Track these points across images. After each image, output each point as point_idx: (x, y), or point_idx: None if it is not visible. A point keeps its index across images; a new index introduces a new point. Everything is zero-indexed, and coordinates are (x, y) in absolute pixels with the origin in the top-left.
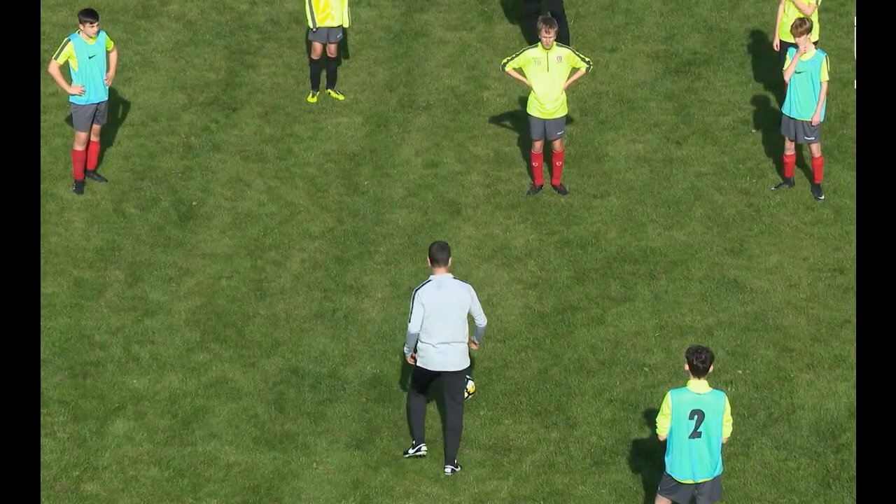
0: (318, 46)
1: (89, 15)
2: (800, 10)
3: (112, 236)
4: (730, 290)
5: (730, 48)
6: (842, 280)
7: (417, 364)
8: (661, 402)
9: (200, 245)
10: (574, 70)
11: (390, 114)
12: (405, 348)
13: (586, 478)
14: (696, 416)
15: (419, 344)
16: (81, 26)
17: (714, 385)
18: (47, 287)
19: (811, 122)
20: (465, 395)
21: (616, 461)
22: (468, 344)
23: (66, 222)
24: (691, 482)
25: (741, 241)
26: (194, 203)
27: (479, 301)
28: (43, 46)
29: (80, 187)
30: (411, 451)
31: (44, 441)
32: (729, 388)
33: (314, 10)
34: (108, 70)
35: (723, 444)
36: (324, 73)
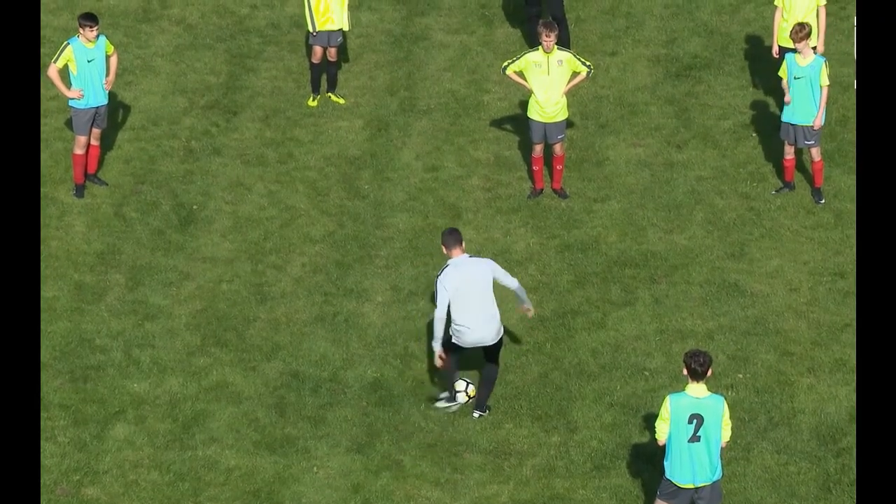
0: (318, 50)
1: (89, 19)
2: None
3: (112, 240)
4: (730, 294)
5: (730, 52)
6: (842, 284)
7: (452, 340)
8: (660, 406)
9: (201, 249)
10: (575, 74)
11: (391, 117)
12: (434, 342)
13: (587, 482)
14: (694, 421)
15: (453, 326)
16: (81, 30)
17: (715, 389)
18: (48, 291)
19: (812, 127)
20: (466, 399)
21: (616, 465)
22: (525, 312)
23: (66, 226)
24: (691, 486)
25: (742, 244)
26: (195, 207)
27: (502, 267)
28: (43, 50)
29: (80, 191)
30: (445, 403)
31: (44, 445)
32: (729, 393)
33: (314, 14)
34: (108, 74)
35: (722, 449)
36: (324, 77)
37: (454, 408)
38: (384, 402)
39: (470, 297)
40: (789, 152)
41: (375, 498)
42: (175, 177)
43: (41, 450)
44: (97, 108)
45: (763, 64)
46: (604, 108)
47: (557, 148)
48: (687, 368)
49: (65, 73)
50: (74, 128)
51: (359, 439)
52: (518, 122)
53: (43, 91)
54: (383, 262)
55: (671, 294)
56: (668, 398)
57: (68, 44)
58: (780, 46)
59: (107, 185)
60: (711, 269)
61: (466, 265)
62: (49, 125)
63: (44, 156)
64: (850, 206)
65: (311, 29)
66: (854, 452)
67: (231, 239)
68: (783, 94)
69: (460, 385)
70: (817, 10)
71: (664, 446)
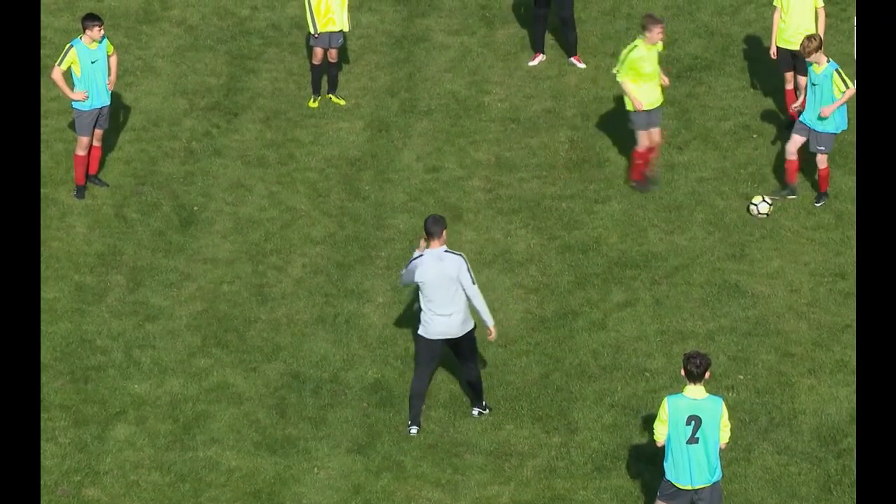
0: (318, 51)
1: (95, 19)
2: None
3: (113, 241)
4: (731, 295)
5: (731, 53)
6: (843, 285)
7: (419, 333)
8: (658, 408)
9: (202, 250)
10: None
11: (391, 119)
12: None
13: (587, 483)
14: (692, 422)
15: (422, 313)
16: (89, 31)
17: (715, 390)
18: (48, 292)
19: (828, 134)
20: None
21: (617, 466)
22: (487, 333)
23: (67, 227)
24: (690, 488)
25: (742, 245)
26: (195, 208)
27: (470, 272)
28: (45, 51)
29: (81, 192)
30: (408, 426)
31: (45, 446)
32: (730, 394)
33: (315, 16)
34: (109, 75)
35: (721, 450)
36: (325, 78)
37: (414, 431)
38: (385, 403)
39: (438, 290)
40: (792, 153)
41: (376, 499)
42: (176, 178)
43: (42, 451)
44: (100, 108)
45: (763, 65)
46: (604, 109)
47: (657, 134)
48: (685, 370)
49: (67, 74)
50: (77, 129)
51: (359, 440)
52: (519, 123)
53: (44, 92)
54: (384, 263)
55: (672, 295)
56: (666, 400)
57: (71, 46)
58: (778, 47)
59: (108, 186)
60: (712, 270)
61: (440, 258)
62: (50, 126)
63: (44, 157)
64: (851, 207)
65: (311, 30)
66: (855, 453)
67: (232, 240)
68: (783, 96)
69: (413, 430)
70: (816, 12)
71: (664, 447)
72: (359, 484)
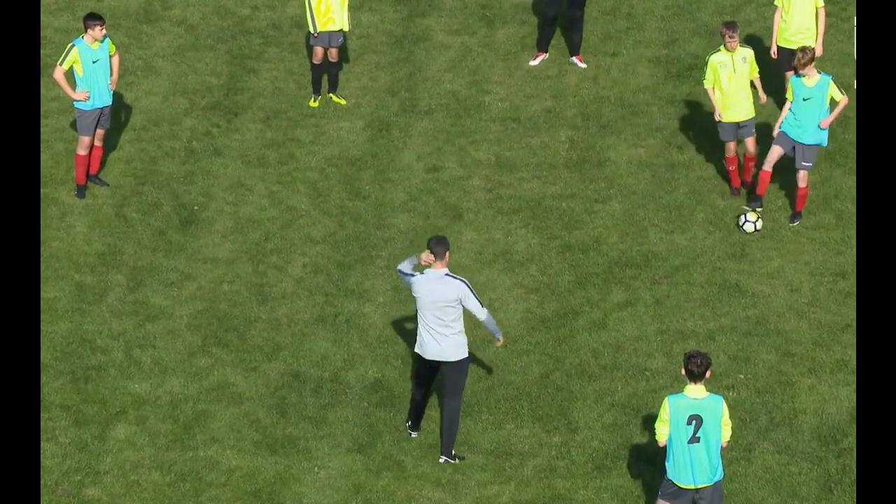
0: (319, 51)
1: (96, 18)
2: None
3: (114, 241)
4: (731, 294)
5: None
6: (843, 284)
7: (416, 349)
8: (659, 408)
9: (202, 250)
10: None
11: (392, 118)
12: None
13: (588, 482)
14: (693, 422)
15: (419, 330)
16: (90, 30)
17: (716, 389)
18: (49, 291)
19: (815, 148)
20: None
21: (618, 466)
22: (495, 343)
23: (67, 227)
24: (692, 487)
25: (742, 245)
26: (196, 207)
27: (476, 296)
28: (46, 51)
29: (81, 192)
30: (407, 427)
31: (45, 446)
32: (730, 393)
33: (315, 15)
34: (111, 74)
35: (722, 448)
36: (325, 78)
37: (414, 435)
38: (385, 403)
39: (432, 311)
40: (769, 164)
41: (377, 498)
42: (176, 177)
43: (42, 450)
44: (102, 108)
45: (764, 65)
46: (605, 109)
47: (750, 145)
48: (685, 370)
49: (69, 74)
50: (79, 129)
51: (360, 440)
52: (519, 123)
53: (44, 92)
54: (384, 263)
55: (672, 294)
56: (666, 399)
57: (73, 45)
58: (778, 47)
59: (108, 185)
60: (712, 270)
61: (440, 281)
62: (50, 126)
63: (45, 156)
64: (851, 207)
65: (311, 30)
66: (855, 453)
67: (232, 239)
68: (784, 94)
69: (413, 433)
70: (817, 11)
71: (664, 447)
72: (359, 483)
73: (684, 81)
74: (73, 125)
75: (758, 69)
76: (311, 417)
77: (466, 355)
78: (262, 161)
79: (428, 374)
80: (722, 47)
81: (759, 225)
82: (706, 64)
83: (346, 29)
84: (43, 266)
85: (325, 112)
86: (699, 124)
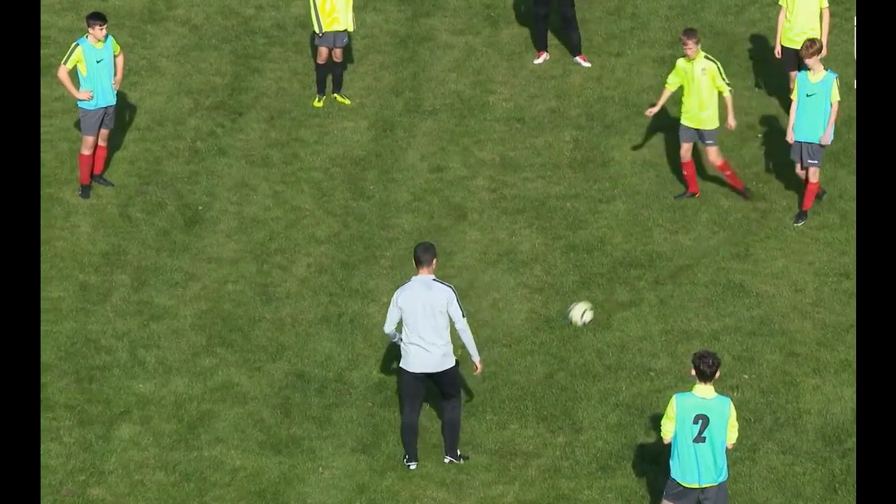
0: (323, 51)
1: (98, 18)
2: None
3: (118, 241)
4: (735, 294)
5: (735, 53)
6: (847, 285)
7: (400, 365)
8: (666, 405)
9: (206, 249)
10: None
11: (396, 118)
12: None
13: (592, 482)
14: (700, 421)
15: (402, 345)
16: (91, 30)
17: (720, 390)
18: (53, 291)
19: (819, 144)
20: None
21: (622, 466)
22: (473, 368)
23: (71, 227)
24: (696, 487)
25: (747, 245)
26: (200, 207)
27: (460, 305)
28: (49, 51)
29: (86, 191)
30: (405, 461)
31: (50, 445)
32: (735, 393)
33: (320, 15)
34: (115, 74)
35: (728, 450)
36: (329, 78)
37: (413, 466)
38: (389, 403)
39: (419, 320)
40: (802, 172)
41: (381, 498)
42: (180, 177)
43: (47, 450)
44: (106, 108)
45: (768, 65)
46: (609, 109)
47: (713, 155)
48: (696, 369)
49: (73, 73)
50: (83, 128)
51: (364, 440)
52: (523, 123)
53: (48, 92)
54: (388, 263)
55: (676, 295)
56: (674, 397)
57: (77, 44)
58: (782, 47)
59: (112, 185)
60: (717, 270)
61: (426, 287)
62: (54, 125)
63: (49, 156)
64: (855, 207)
65: (316, 30)
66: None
67: (236, 239)
68: (788, 94)
69: (412, 465)
70: (821, 12)
71: (670, 447)
72: (363, 483)
73: None
74: (77, 125)
75: (727, 86)
76: (315, 417)
77: (455, 361)
78: (266, 161)
79: (417, 391)
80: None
81: (588, 318)
82: (673, 66)
83: (350, 29)
84: (47, 266)
85: (329, 112)
86: None
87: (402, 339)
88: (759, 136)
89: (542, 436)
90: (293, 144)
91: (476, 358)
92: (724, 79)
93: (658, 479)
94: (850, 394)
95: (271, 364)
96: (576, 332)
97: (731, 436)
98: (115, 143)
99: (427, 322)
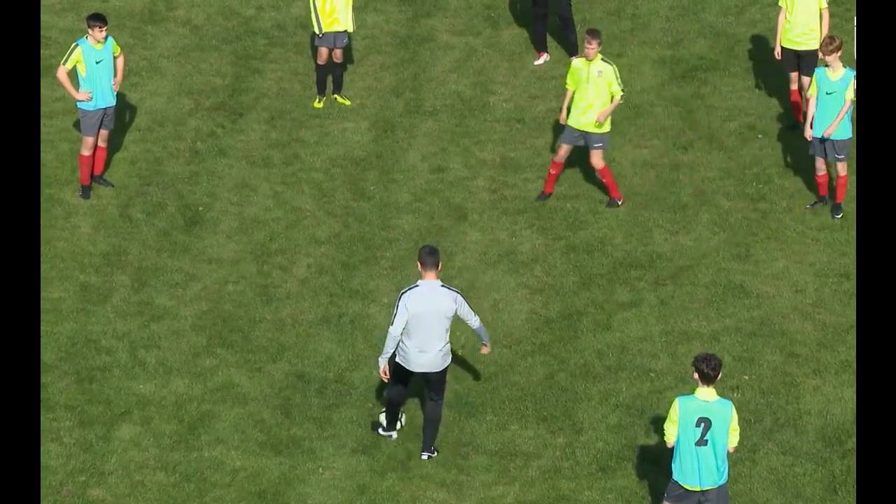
0: (323, 51)
1: (98, 19)
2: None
3: (118, 241)
4: (736, 295)
5: (736, 53)
6: (848, 285)
7: (396, 359)
8: (669, 408)
9: (207, 250)
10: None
11: (396, 119)
12: (381, 357)
13: (592, 483)
14: (702, 424)
15: (401, 346)
16: (91, 31)
17: (720, 390)
18: (53, 292)
19: (845, 141)
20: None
21: (622, 467)
22: (481, 349)
23: (72, 227)
24: (698, 489)
25: (747, 246)
26: (200, 208)
27: (468, 305)
28: (50, 52)
29: (86, 192)
30: (381, 431)
31: (50, 446)
32: (735, 394)
33: (319, 16)
34: (115, 75)
35: (729, 453)
36: (330, 79)
37: (394, 436)
38: None
39: (426, 325)
40: (821, 168)
41: (381, 499)
42: (181, 178)
43: (47, 451)
44: (105, 109)
45: (769, 65)
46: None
47: (596, 158)
48: (698, 372)
49: (72, 74)
50: (82, 129)
51: (364, 440)
52: (524, 123)
53: (49, 92)
54: (389, 264)
55: (677, 295)
56: (676, 400)
57: (77, 45)
58: (782, 48)
59: (113, 186)
60: (717, 271)
61: (434, 293)
62: (55, 126)
63: (50, 157)
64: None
65: (316, 30)
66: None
67: (237, 240)
68: (789, 96)
69: (395, 426)
70: (821, 12)
71: (671, 448)
72: (364, 484)
73: (689, 82)
74: (77, 125)
75: (621, 90)
76: (315, 418)
77: (448, 362)
78: (266, 161)
79: (407, 379)
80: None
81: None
82: (568, 67)
83: (350, 30)
84: (48, 266)
85: (329, 113)
86: (704, 125)
87: (400, 342)
88: (759, 136)
89: (543, 436)
90: (294, 145)
91: (487, 342)
92: (619, 83)
93: (658, 479)
94: (850, 394)
95: (272, 365)
96: (576, 333)
97: (733, 439)
98: (115, 143)
99: (433, 329)
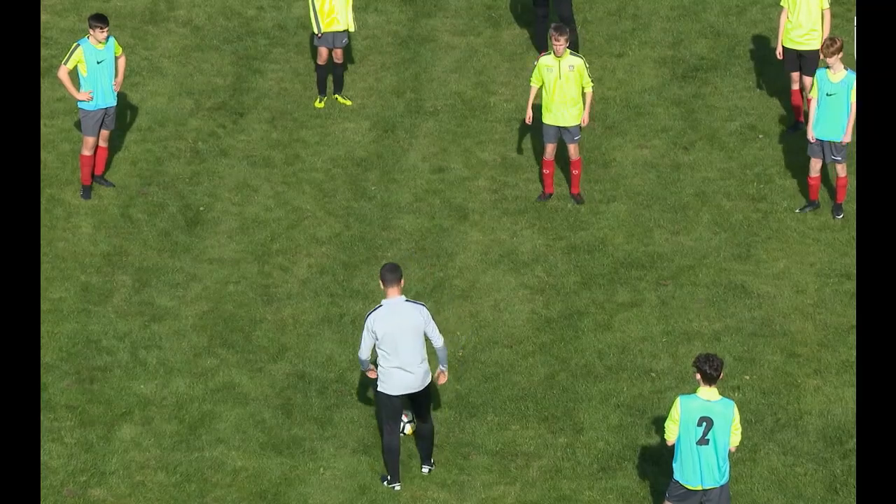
0: (323, 52)
1: (99, 20)
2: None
3: (119, 241)
4: (737, 295)
5: (737, 53)
6: (849, 285)
7: (379, 390)
8: (671, 407)
9: (207, 250)
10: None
11: (397, 119)
12: (361, 367)
13: (593, 483)
14: (704, 423)
15: (380, 368)
16: (92, 31)
17: (721, 390)
18: (54, 292)
19: (841, 143)
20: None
21: (623, 467)
22: (436, 376)
23: (73, 227)
24: (699, 489)
25: (748, 246)
26: (201, 208)
27: (434, 323)
28: (51, 52)
29: (87, 192)
30: (385, 484)
31: (51, 446)
32: (736, 394)
33: (318, 16)
34: (116, 76)
35: (731, 453)
36: (331, 79)
37: (398, 487)
38: None
39: (403, 343)
40: (815, 170)
41: (382, 499)
42: (182, 178)
43: (48, 451)
44: (106, 109)
45: (770, 66)
46: (610, 110)
47: (574, 150)
48: (700, 372)
49: (73, 74)
50: (83, 129)
51: (365, 440)
52: (524, 124)
53: (50, 92)
54: None
55: (678, 295)
56: (678, 399)
57: (78, 45)
58: (784, 48)
59: (113, 186)
60: (718, 271)
61: (400, 310)
62: (56, 126)
63: (51, 157)
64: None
65: (315, 30)
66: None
67: (237, 240)
68: (790, 96)
69: (396, 486)
70: (822, 12)
71: (673, 448)
72: (364, 484)
73: (690, 82)
74: (78, 125)
75: (591, 83)
76: (316, 418)
77: (430, 378)
78: (267, 162)
79: (398, 411)
80: (551, 52)
81: (407, 429)
82: (535, 66)
83: (350, 29)
84: (48, 267)
85: (330, 113)
86: (704, 125)
87: (379, 365)
88: (760, 137)
89: (544, 436)
90: (294, 145)
91: (444, 367)
92: (589, 75)
93: (659, 480)
94: (851, 395)
95: (272, 365)
96: (577, 333)
97: (735, 439)
98: (116, 143)
99: (407, 344)
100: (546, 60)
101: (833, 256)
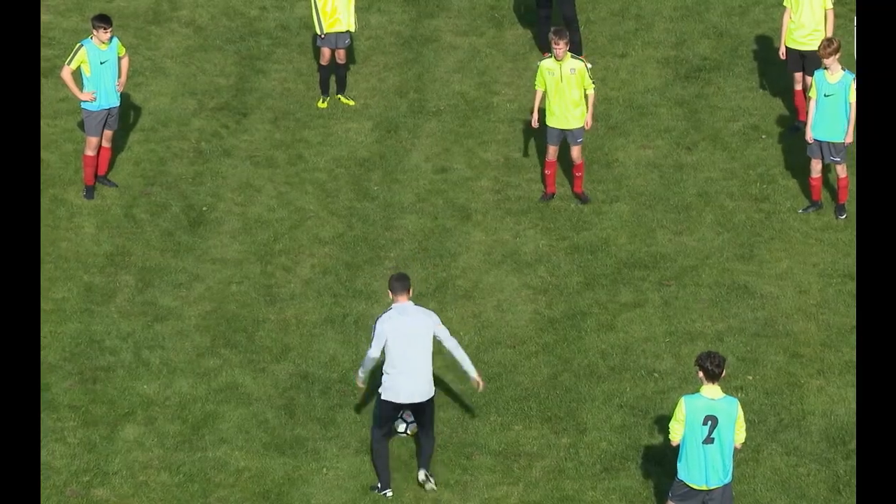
0: (326, 52)
1: (103, 20)
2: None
3: (122, 241)
4: (740, 295)
5: (740, 54)
6: (851, 286)
7: (382, 398)
8: (675, 407)
9: (210, 250)
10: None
11: (400, 119)
12: (359, 371)
13: (596, 483)
14: (709, 422)
15: (385, 376)
16: (95, 32)
17: (724, 390)
18: (57, 292)
19: (842, 143)
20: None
21: (626, 467)
22: (474, 385)
23: (76, 227)
24: (704, 488)
25: (751, 246)
26: (204, 208)
27: (445, 326)
28: (54, 52)
29: (90, 192)
30: (376, 493)
31: (54, 446)
32: (739, 394)
33: (321, 16)
34: (119, 76)
35: (735, 450)
36: (333, 79)
37: (389, 494)
38: None
39: (406, 348)
40: (816, 171)
41: (384, 499)
42: (185, 178)
43: (51, 451)
44: (109, 109)
45: (772, 66)
46: (613, 110)
47: (577, 153)
48: (703, 370)
49: (77, 74)
50: (86, 129)
51: (368, 441)
52: (527, 124)
53: (53, 92)
54: (392, 264)
55: (680, 296)
56: (683, 399)
57: (82, 45)
58: (787, 48)
59: (117, 186)
60: (721, 271)
61: (410, 314)
62: (59, 126)
63: (54, 157)
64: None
65: (318, 31)
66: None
67: (240, 240)
68: (793, 97)
69: (388, 493)
70: (825, 12)
71: (677, 448)
72: (367, 484)
73: (693, 82)
74: (81, 126)
75: (592, 85)
76: (319, 418)
77: (434, 391)
78: (270, 162)
79: (392, 419)
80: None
81: (410, 430)
82: (538, 69)
83: (353, 30)
84: (51, 267)
85: (333, 113)
86: (707, 126)
87: (385, 373)
88: (763, 137)
89: (547, 437)
90: (297, 145)
91: (474, 373)
92: (591, 78)
93: (662, 480)
94: (854, 395)
95: (275, 365)
96: (580, 334)
97: (740, 436)
98: (119, 143)
99: (415, 349)
100: (547, 64)
101: (836, 257)
